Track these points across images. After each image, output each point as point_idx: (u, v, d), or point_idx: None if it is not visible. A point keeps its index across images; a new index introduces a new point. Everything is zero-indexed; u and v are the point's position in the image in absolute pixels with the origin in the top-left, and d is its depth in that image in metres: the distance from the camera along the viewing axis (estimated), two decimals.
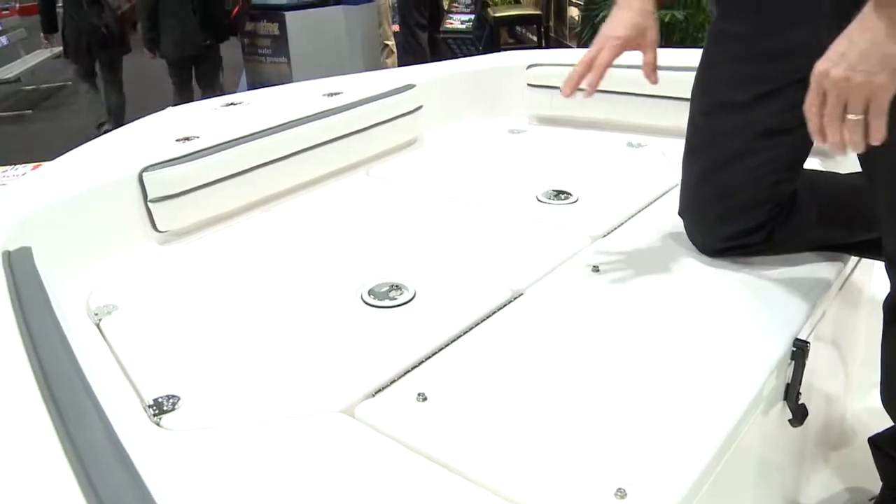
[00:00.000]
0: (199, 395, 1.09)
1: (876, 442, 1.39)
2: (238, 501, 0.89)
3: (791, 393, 1.19)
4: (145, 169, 1.57)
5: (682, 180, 1.46)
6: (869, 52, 0.93)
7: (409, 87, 2.09)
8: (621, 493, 0.86)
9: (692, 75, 1.43)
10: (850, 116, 0.96)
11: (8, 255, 1.23)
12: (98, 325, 1.29)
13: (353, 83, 2.15)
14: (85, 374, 0.90)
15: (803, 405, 1.21)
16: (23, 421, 0.81)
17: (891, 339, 1.23)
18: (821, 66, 0.98)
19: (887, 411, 1.26)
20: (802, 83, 1.01)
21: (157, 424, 1.03)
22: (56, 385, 0.86)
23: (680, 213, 1.47)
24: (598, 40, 1.33)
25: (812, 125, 1.01)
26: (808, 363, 1.19)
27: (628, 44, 1.32)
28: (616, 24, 1.32)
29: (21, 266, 1.19)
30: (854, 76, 0.94)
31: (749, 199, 1.36)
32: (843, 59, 0.95)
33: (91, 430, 0.78)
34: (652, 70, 1.34)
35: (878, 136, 0.97)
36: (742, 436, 1.02)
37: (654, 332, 1.19)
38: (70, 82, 8.09)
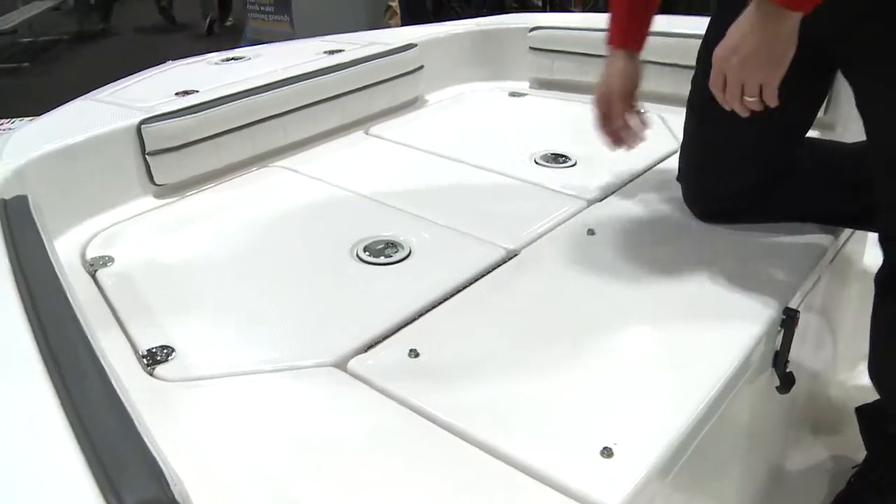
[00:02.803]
0: (192, 346, 1.10)
1: (862, 411, 1.41)
2: (229, 451, 0.90)
3: (779, 360, 1.20)
4: (144, 121, 1.57)
5: (681, 143, 1.47)
6: (759, 49, 1.04)
7: (411, 46, 2.08)
8: (607, 452, 0.87)
9: (693, 42, 1.43)
10: (747, 98, 1.09)
11: (4, 203, 1.23)
12: (94, 276, 1.30)
13: (354, 41, 2.14)
14: (81, 322, 0.91)
15: (791, 373, 1.23)
16: (18, 368, 0.82)
17: (881, 314, 1.24)
18: (719, 52, 1.09)
19: (874, 384, 1.27)
20: (805, 47, 1.04)
21: (151, 374, 1.04)
22: (52, 333, 0.86)
23: (678, 179, 1.47)
24: (603, 99, 1.47)
25: (718, 98, 1.13)
26: (798, 332, 1.20)
27: (629, 95, 1.47)
28: (618, 79, 1.46)
29: (17, 214, 1.19)
30: (747, 68, 1.07)
31: (742, 161, 1.37)
32: (737, 53, 1.06)
33: (86, 377, 0.79)
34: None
35: (772, 103, 1.09)
36: (729, 401, 1.03)
37: (646, 295, 1.20)
38: (66, 36, 8.03)
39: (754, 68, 1.06)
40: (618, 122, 1.46)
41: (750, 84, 1.07)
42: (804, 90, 1.24)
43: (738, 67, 1.07)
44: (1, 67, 6.75)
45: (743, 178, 1.38)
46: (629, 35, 1.46)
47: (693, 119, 1.44)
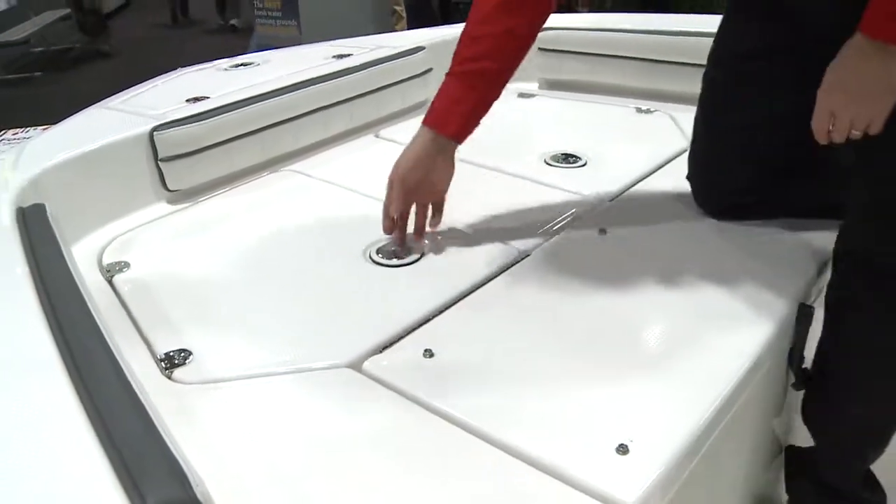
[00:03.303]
0: (209, 349, 1.11)
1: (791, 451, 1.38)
2: (247, 452, 0.91)
3: (795, 357, 1.20)
4: (156, 128, 1.58)
5: (690, 142, 1.47)
6: (867, 85, 1.03)
7: (419, 49, 2.09)
8: (623, 449, 0.88)
9: (702, 41, 1.43)
10: (854, 133, 1.06)
11: (22, 212, 1.24)
12: (110, 282, 1.31)
13: (362, 45, 2.15)
14: (100, 327, 0.92)
15: (806, 369, 1.22)
16: (40, 373, 0.82)
17: (835, 339, 1.20)
18: (828, 95, 1.07)
19: (807, 425, 1.26)
20: (819, 45, 1.05)
21: (169, 378, 1.05)
22: (72, 338, 0.87)
23: (688, 177, 1.47)
24: (402, 196, 1.36)
25: (819, 136, 1.10)
26: (813, 328, 1.20)
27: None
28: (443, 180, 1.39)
29: (35, 222, 1.21)
30: (857, 105, 1.04)
31: (752, 159, 1.37)
32: (845, 91, 1.05)
33: (107, 381, 0.80)
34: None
35: (875, 132, 1.05)
36: (744, 397, 1.03)
37: (659, 293, 1.20)
38: (78, 44, 8.08)
39: (864, 105, 1.04)
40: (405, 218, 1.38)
41: (860, 120, 1.05)
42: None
43: (847, 105, 1.05)
44: (14, 77, 6.81)
45: (753, 176, 1.38)
46: (467, 127, 1.38)
47: (703, 117, 1.44)
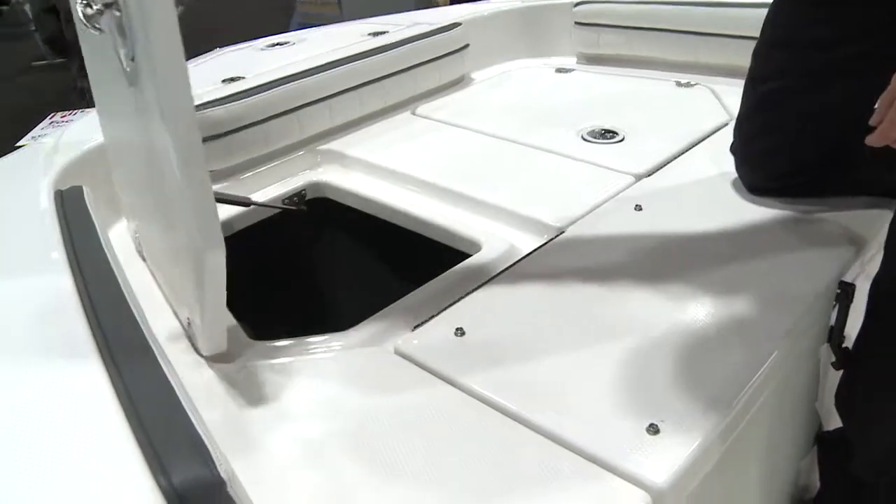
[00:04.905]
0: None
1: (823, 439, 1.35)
2: (279, 432, 0.91)
3: (835, 336, 1.18)
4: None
5: (737, 115, 1.44)
6: None
7: (455, 25, 2.07)
8: (653, 429, 0.87)
9: (744, 11, 1.40)
10: None
11: (60, 194, 1.26)
12: (145, 261, 1.32)
13: (398, 22, 2.14)
14: (131, 307, 0.93)
15: (847, 349, 1.20)
16: (72, 352, 0.84)
17: (872, 328, 1.15)
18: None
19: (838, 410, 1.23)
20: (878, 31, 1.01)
21: (202, 357, 1.06)
22: (104, 320, 0.89)
23: (731, 150, 1.44)
24: None
25: (877, 116, 1.03)
26: (854, 307, 1.17)
27: None
28: None
29: (73, 204, 1.23)
30: None
31: (802, 138, 1.33)
32: None
33: (137, 361, 0.81)
34: None
35: None
36: (781, 377, 1.01)
37: (694, 270, 1.18)
38: None
39: None
40: None
41: None
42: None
43: None
44: (62, 61, 6.91)
45: (801, 155, 1.35)
46: None
47: (753, 91, 1.40)
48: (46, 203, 1.22)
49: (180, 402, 0.73)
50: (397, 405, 0.95)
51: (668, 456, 0.84)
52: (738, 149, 1.43)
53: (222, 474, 0.64)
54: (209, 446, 0.67)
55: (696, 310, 1.09)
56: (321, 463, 0.86)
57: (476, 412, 0.92)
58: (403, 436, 0.89)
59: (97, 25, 0.95)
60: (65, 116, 6.12)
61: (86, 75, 1.21)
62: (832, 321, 1.17)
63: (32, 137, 5.63)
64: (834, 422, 1.28)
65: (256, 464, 0.85)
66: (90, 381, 0.77)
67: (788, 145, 1.35)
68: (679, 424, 0.88)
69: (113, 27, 0.91)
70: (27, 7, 6.57)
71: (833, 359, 1.20)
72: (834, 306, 1.16)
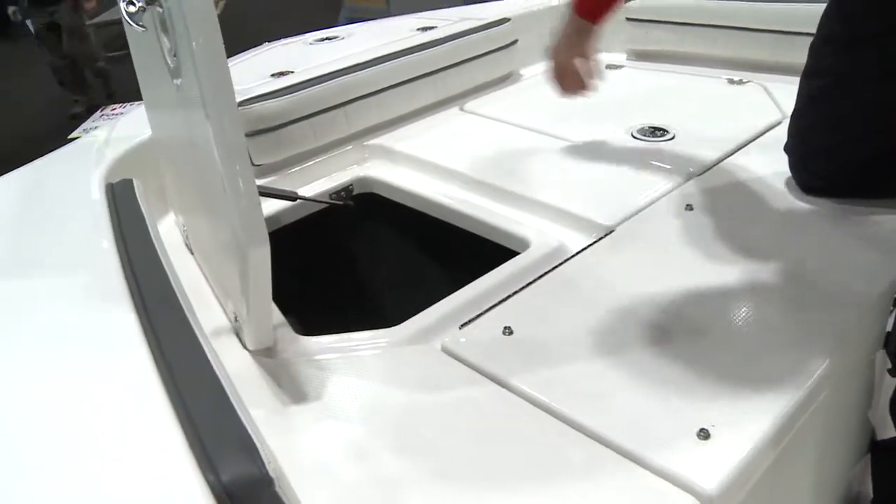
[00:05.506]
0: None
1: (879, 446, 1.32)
2: (325, 428, 0.92)
3: (892, 341, 1.15)
4: (241, 103, 1.60)
5: (791, 112, 1.41)
6: None
7: (504, 21, 2.06)
8: (704, 434, 0.85)
9: (797, 7, 1.37)
10: None
11: (111, 187, 1.27)
12: (193, 255, 1.34)
13: (446, 17, 2.13)
14: (180, 301, 0.94)
15: None
16: (120, 349, 0.85)
17: None
18: None
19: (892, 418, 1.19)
20: None
21: (249, 351, 1.06)
22: (153, 313, 0.90)
23: (785, 149, 1.41)
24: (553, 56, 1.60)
25: None
26: None
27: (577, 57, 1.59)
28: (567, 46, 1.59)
29: (123, 197, 1.24)
30: None
31: (860, 137, 1.30)
32: None
33: (185, 357, 0.82)
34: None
35: None
36: (834, 383, 0.99)
37: (747, 272, 1.16)
38: None
39: None
40: (567, 77, 1.60)
41: None
42: None
43: None
44: (115, 55, 7.01)
45: (859, 154, 1.31)
46: (590, 9, 1.57)
47: (808, 89, 1.37)
48: (98, 196, 1.24)
49: (229, 399, 0.73)
50: (444, 404, 0.94)
51: (719, 461, 0.82)
52: (792, 148, 1.41)
53: (271, 473, 0.64)
54: (258, 444, 0.67)
55: (748, 312, 1.07)
56: (366, 461, 0.86)
57: (524, 413, 0.91)
58: (450, 435, 0.89)
59: (140, 23, 0.96)
60: (115, 109, 6.22)
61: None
62: (889, 327, 1.14)
63: (84, 130, 5.74)
64: (888, 430, 1.25)
65: (301, 460, 0.85)
66: (140, 376, 0.78)
67: (845, 144, 1.32)
68: (730, 429, 0.86)
69: (156, 23, 0.92)
70: (29, 23, 6.58)
71: (889, 365, 1.17)
72: (891, 311, 1.13)
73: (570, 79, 1.61)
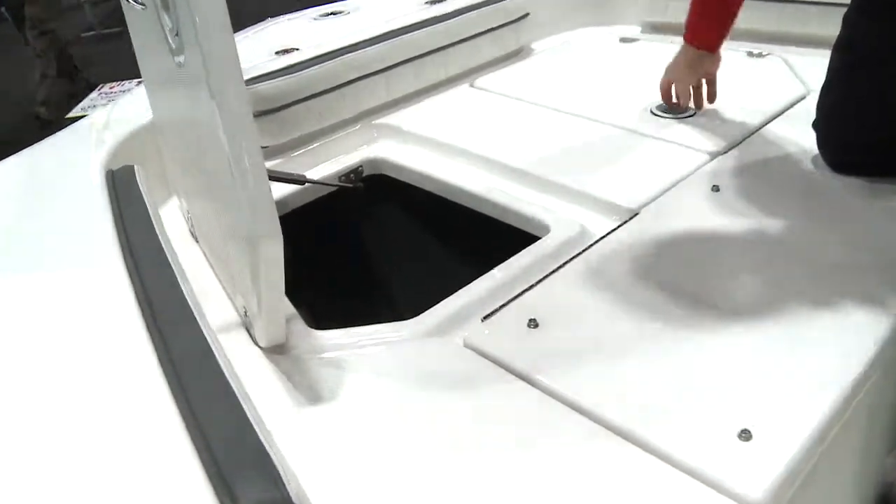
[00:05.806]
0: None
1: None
2: (343, 425, 0.87)
3: None
4: (245, 83, 1.53)
5: (821, 87, 1.35)
6: None
7: None
8: (746, 435, 0.80)
9: None
10: None
11: (111, 174, 1.22)
12: (198, 243, 1.28)
13: None
14: (182, 289, 0.89)
15: None
16: (125, 339, 0.81)
17: None
18: None
19: None
20: None
21: (255, 342, 1.01)
22: (156, 302, 0.85)
23: (813, 126, 1.36)
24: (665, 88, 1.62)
25: None
26: None
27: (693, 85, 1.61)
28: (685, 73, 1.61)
29: (124, 184, 1.19)
30: None
31: (885, 112, 1.25)
32: None
33: (199, 363, 0.77)
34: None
35: None
36: (875, 379, 0.93)
37: (780, 259, 1.10)
38: None
39: None
40: (686, 100, 1.61)
41: None
42: None
43: None
44: (109, 32, 6.93)
45: (872, 130, 1.27)
46: (703, 38, 1.58)
47: (840, 62, 1.31)
48: (98, 181, 1.19)
49: (243, 410, 0.68)
50: (470, 402, 0.89)
51: (763, 465, 0.77)
52: (821, 124, 1.35)
53: (292, 497, 0.59)
54: (276, 462, 0.62)
55: (783, 303, 1.01)
56: (385, 462, 0.81)
57: (554, 412, 0.86)
58: (475, 432, 0.85)
59: (139, 0, 0.90)
60: (113, 87, 6.15)
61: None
62: None
63: (82, 109, 5.67)
64: None
65: (319, 468, 0.80)
66: (145, 383, 0.73)
67: (877, 120, 1.27)
68: (772, 430, 0.81)
69: (157, 1, 0.86)
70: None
71: None
72: None
73: (687, 100, 1.61)
